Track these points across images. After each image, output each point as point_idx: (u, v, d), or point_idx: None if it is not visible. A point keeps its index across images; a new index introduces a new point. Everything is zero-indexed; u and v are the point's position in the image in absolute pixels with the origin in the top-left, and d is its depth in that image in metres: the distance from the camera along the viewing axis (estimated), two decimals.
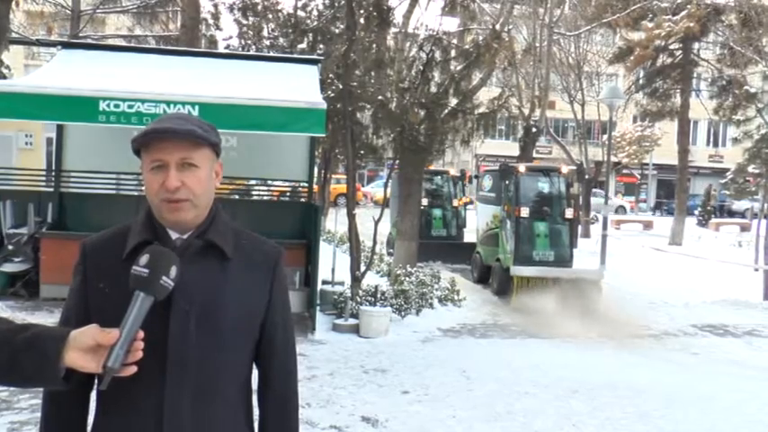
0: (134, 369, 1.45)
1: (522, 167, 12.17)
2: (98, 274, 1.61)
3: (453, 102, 12.14)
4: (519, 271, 11.09)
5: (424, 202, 15.45)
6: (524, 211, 11.60)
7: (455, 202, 16.74)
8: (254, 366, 1.75)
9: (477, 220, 14.13)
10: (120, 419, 1.57)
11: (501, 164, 14.31)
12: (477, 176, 16.28)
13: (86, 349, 1.42)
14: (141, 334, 1.45)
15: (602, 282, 11.20)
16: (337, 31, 12.15)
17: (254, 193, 11.84)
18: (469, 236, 16.16)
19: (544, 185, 12.27)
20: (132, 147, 1.61)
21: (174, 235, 1.62)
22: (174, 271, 1.48)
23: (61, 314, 1.67)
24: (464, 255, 14.48)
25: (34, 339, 1.44)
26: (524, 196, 11.87)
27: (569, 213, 12.00)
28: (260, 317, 1.68)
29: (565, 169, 12.46)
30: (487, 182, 13.82)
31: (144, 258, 1.47)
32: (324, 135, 9.07)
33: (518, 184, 11.85)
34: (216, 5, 14.20)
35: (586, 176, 22.68)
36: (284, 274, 1.75)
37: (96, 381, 1.56)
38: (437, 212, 16.45)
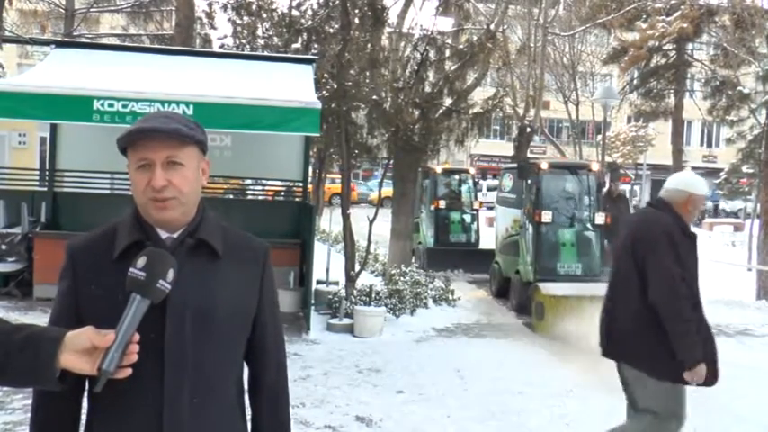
0: (129, 371, 1.45)
1: (544, 164, 10.45)
2: (88, 276, 1.61)
3: (448, 101, 12.16)
4: (550, 289, 9.12)
5: (441, 204, 14.48)
6: (546, 216, 9.90)
7: (475, 205, 15.24)
8: (245, 363, 1.76)
9: (496, 225, 12.61)
10: (117, 420, 1.57)
11: (520, 160, 12.62)
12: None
13: (82, 351, 1.43)
14: (137, 336, 1.45)
15: None
16: (332, 30, 12.13)
17: (248, 192, 11.85)
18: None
19: (571, 185, 10.56)
20: (118, 146, 1.61)
21: (163, 234, 1.62)
22: (171, 274, 1.48)
23: (49, 318, 1.66)
24: (487, 263, 12.62)
25: (29, 340, 1.44)
26: (547, 198, 10.19)
27: (600, 218, 10.17)
28: (252, 313, 1.70)
29: (595, 166, 10.78)
30: (508, 182, 12.23)
31: (141, 261, 1.47)
32: (318, 135, 9.07)
33: (540, 184, 10.14)
34: (210, 4, 14.15)
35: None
36: (272, 269, 1.77)
37: (88, 382, 1.56)
38: (455, 216, 14.88)
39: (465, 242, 14.82)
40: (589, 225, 10.35)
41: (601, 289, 9.26)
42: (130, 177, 1.61)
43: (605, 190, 11.22)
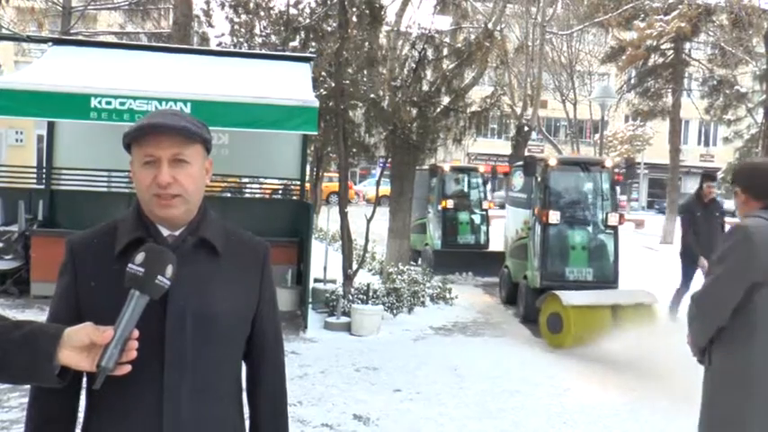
0: (128, 368, 1.44)
1: (552, 160, 9.58)
2: (88, 272, 1.61)
3: (445, 100, 12.16)
4: (571, 298, 8.16)
5: (449, 204, 13.87)
6: (554, 216, 9.03)
7: (485, 205, 14.47)
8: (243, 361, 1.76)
9: (506, 227, 11.72)
10: (116, 417, 1.57)
11: (526, 156, 11.72)
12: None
13: (81, 348, 1.42)
14: (136, 333, 1.45)
15: (657, 306, 8.73)
16: (329, 28, 12.14)
17: (246, 190, 11.84)
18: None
19: (582, 183, 9.81)
20: (124, 141, 1.61)
21: (165, 232, 1.62)
22: (170, 270, 1.48)
23: (48, 314, 1.66)
24: (497, 266, 11.69)
25: (28, 337, 1.44)
26: (555, 197, 9.40)
27: (614, 219, 9.30)
28: (252, 312, 1.71)
29: (609, 162, 9.86)
30: (518, 180, 11.24)
31: (140, 257, 1.46)
32: (316, 133, 9.07)
33: (547, 182, 9.26)
34: (208, 2, 14.16)
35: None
36: (271, 268, 1.77)
37: (86, 379, 1.56)
38: (464, 216, 14.13)
39: (474, 243, 14.10)
40: (601, 226, 9.53)
41: (620, 297, 8.69)
42: (134, 173, 1.60)
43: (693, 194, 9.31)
